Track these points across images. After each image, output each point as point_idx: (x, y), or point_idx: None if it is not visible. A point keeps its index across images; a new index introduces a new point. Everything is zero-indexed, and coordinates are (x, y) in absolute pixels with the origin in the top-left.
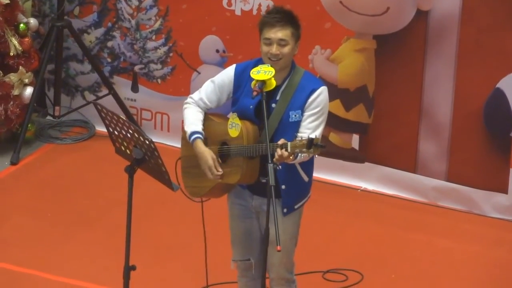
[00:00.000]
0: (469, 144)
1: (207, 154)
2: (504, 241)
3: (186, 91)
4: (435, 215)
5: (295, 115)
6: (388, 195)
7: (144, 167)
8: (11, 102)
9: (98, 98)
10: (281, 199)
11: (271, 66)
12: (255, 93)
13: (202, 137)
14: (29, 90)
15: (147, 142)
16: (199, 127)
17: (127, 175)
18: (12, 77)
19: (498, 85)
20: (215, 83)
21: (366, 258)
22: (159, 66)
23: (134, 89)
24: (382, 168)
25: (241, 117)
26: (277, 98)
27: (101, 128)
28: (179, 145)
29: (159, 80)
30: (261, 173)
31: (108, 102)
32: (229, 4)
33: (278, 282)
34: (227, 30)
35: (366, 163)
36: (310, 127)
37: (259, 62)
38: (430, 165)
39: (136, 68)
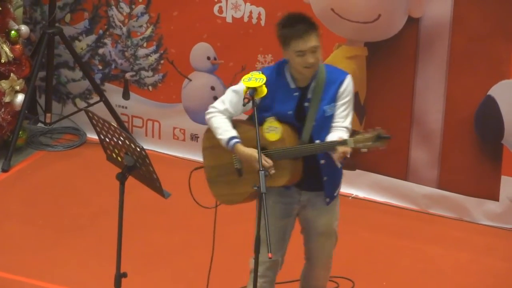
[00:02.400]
0: (460, 151)
1: (252, 152)
2: (495, 248)
3: (177, 98)
4: (426, 222)
5: (330, 109)
6: (379, 202)
7: (135, 174)
8: (2, 109)
9: (90, 105)
10: (323, 191)
11: (306, 73)
12: (246, 100)
13: (241, 141)
14: (20, 97)
15: (138, 149)
16: (234, 132)
17: (119, 182)
18: (3, 84)
19: (489, 93)
20: (239, 93)
21: (357, 265)
22: (150, 73)
23: (125, 96)
24: (373, 175)
25: (280, 121)
26: (309, 97)
27: (92, 135)
28: (170, 152)
29: (150, 87)
30: (305, 168)
31: (99, 109)
32: (220, 11)
33: (326, 266)
34: (218, 37)
35: (357, 170)
36: (343, 115)
37: (281, 66)
38: (421, 172)
39: (127, 75)
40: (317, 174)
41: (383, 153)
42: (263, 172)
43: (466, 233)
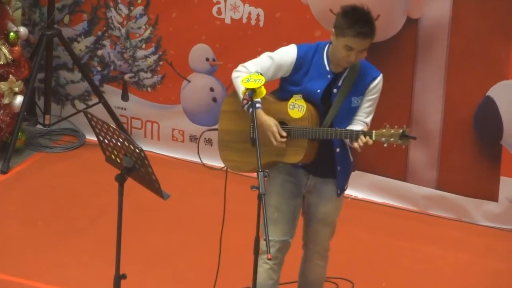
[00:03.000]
0: (459, 152)
1: (271, 122)
2: (495, 249)
3: (176, 100)
4: (425, 223)
5: (357, 101)
6: (378, 203)
7: (134, 176)
8: (1, 111)
9: (88, 106)
10: (336, 180)
11: (344, 64)
12: (245, 102)
13: (261, 106)
14: (19, 99)
15: (137, 151)
16: (258, 97)
17: (118, 183)
18: (2, 86)
19: (488, 93)
20: (274, 60)
21: (357, 266)
22: (149, 74)
23: (124, 97)
24: (372, 176)
25: (306, 100)
26: (339, 84)
27: (91, 137)
28: (169, 153)
29: (149, 89)
30: (319, 152)
31: (98, 111)
32: (219, 12)
33: (321, 254)
34: (217, 38)
35: (356, 171)
36: (367, 111)
37: (321, 46)
38: (420, 173)
39: (126, 76)
40: (330, 161)
41: (382, 154)
42: (262, 173)
43: (465, 234)
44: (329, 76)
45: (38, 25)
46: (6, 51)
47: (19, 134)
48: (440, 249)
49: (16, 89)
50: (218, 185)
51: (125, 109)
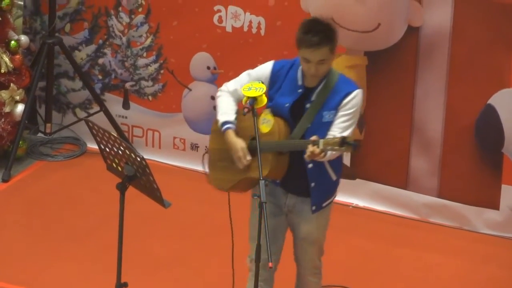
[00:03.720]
0: (460, 160)
1: (237, 145)
2: (495, 257)
3: (177, 108)
4: (426, 231)
5: (329, 115)
6: (379, 211)
7: (135, 184)
8: (2, 119)
9: (90, 115)
10: (309, 198)
11: (309, 77)
12: (246, 110)
13: (234, 127)
14: (20, 107)
15: (139, 159)
16: (232, 117)
17: (119, 192)
18: (3, 94)
19: (489, 101)
20: (251, 77)
21: (357, 274)
22: (150, 83)
23: (125, 106)
24: (373, 184)
25: (275, 114)
26: (312, 99)
27: (92, 145)
28: (170, 162)
29: (150, 97)
30: (290, 170)
31: (100, 119)
32: (220, 21)
33: (312, 271)
34: (218, 47)
35: (357, 180)
36: (342, 126)
37: (296, 62)
38: (421, 181)
39: (127, 85)
40: (304, 178)
41: (383, 162)
42: (263, 181)
43: (466, 242)
44: (299, 90)
45: (39, 33)
46: (7, 60)
47: (20, 142)
48: (441, 257)
49: (17, 98)
50: (219, 194)
51: (126, 117)
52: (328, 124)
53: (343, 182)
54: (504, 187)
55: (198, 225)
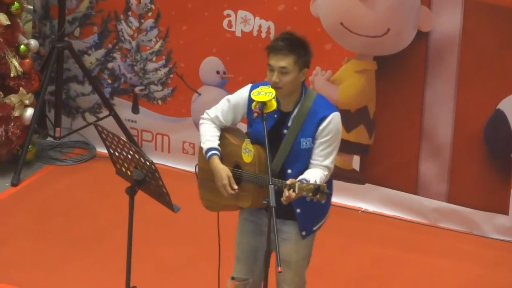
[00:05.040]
0: (469, 165)
1: (223, 172)
2: (505, 262)
3: (186, 112)
4: (435, 236)
5: (306, 143)
6: (389, 216)
7: (145, 189)
8: (12, 124)
9: (99, 119)
10: (297, 222)
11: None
12: (255, 115)
13: (219, 154)
14: (29, 112)
15: (148, 163)
16: (215, 143)
17: (128, 196)
18: (13, 99)
19: (498, 106)
20: (230, 103)
21: (367, 279)
22: (159, 87)
23: (135, 110)
24: (382, 189)
25: (255, 141)
26: (289, 124)
27: (101, 149)
28: (180, 166)
29: (159, 102)
30: (277, 196)
31: (109, 124)
32: (230, 25)
33: None
34: (228, 51)
35: (367, 184)
36: (322, 154)
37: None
38: (430, 186)
39: (137, 89)
40: (288, 204)
41: (392, 167)
42: (272, 186)
43: (475, 247)
44: (275, 115)
45: (48, 37)
46: (16, 64)
47: (30, 146)
48: (451, 263)
49: (27, 102)
50: None
51: (135, 121)
52: (307, 151)
53: (352, 186)
54: None
55: (207, 230)
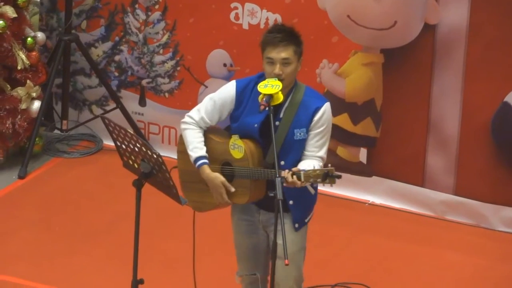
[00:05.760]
0: (477, 157)
1: (217, 181)
2: None
3: (193, 105)
4: (443, 229)
5: (300, 134)
6: (396, 209)
7: (151, 181)
8: (19, 116)
9: (106, 112)
10: (289, 213)
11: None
12: (262, 107)
13: (208, 162)
14: (36, 104)
15: (155, 156)
16: (203, 150)
17: (135, 189)
18: (20, 91)
19: (506, 99)
20: (216, 101)
21: (374, 271)
22: (166, 80)
23: (142, 103)
24: (389, 181)
25: (244, 135)
26: (281, 116)
27: (108, 142)
28: None
29: (166, 94)
30: (268, 188)
31: (116, 116)
32: (237, 18)
33: None
34: (235, 44)
35: (374, 177)
36: (317, 145)
37: (262, 77)
38: (438, 179)
39: (144, 82)
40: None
41: (399, 160)
42: (279, 179)
43: (483, 239)
44: (267, 108)
45: (55, 30)
46: (23, 56)
47: (37, 139)
48: (458, 255)
49: (34, 94)
50: None
51: (142, 114)
52: (301, 142)
53: (360, 179)
54: None
55: (214, 222)
